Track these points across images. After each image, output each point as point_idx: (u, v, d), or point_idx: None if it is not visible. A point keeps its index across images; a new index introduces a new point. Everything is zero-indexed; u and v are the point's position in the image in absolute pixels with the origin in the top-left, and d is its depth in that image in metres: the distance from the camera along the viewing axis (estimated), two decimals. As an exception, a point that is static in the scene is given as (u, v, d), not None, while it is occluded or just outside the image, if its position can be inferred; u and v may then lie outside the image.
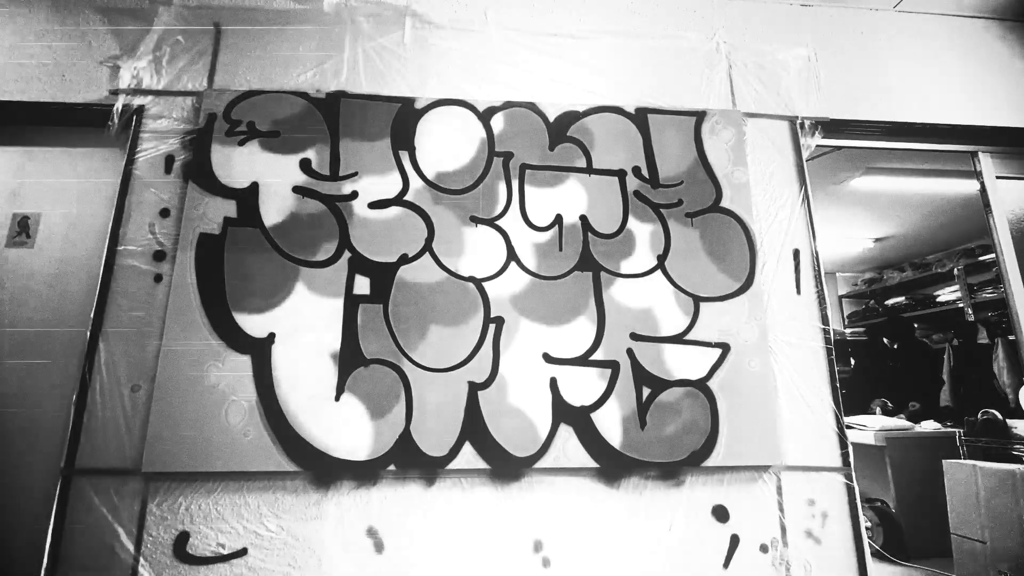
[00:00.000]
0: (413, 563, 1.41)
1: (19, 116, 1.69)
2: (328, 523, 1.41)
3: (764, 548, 1.51)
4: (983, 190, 2.04)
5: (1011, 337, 3.33)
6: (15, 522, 1.43)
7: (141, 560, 1.34)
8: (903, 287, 4.73)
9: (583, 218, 1.68)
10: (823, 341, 1.68)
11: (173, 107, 1.67)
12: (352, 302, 1.53)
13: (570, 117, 1.75)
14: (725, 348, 1.61)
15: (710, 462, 1.51)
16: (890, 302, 4.74)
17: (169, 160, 1.61)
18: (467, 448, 1.46)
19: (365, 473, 1.44)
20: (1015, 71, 2.11)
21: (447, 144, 1.69)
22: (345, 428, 1.44)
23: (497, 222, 1.64)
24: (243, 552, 1.38)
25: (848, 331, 4.76)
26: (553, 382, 1.54)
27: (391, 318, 1.53)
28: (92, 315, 1.48)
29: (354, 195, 1.60)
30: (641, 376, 1.57)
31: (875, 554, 2.69)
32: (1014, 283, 1.95)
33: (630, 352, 1.58)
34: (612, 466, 1.50)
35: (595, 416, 1.52)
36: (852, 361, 4.47)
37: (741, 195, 1.74)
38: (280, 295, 1.51)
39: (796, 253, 1.75)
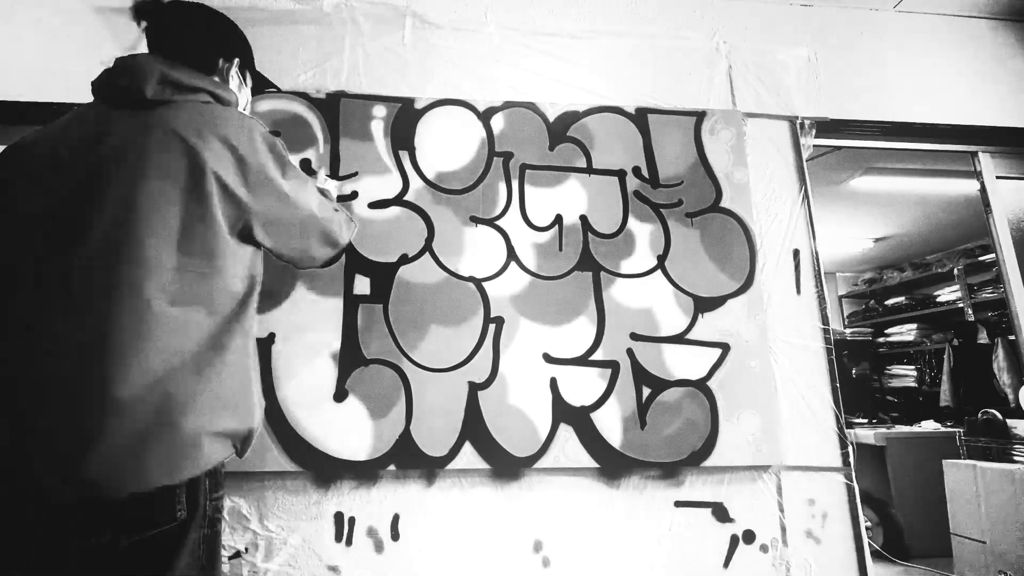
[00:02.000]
0: (413, 563, 1.41)
1: (19, 116, 1.69)
2: (328, 523, 1.42)
3: (764, 548, 1.51)
4: (983, 190, 2.04)
5: (1011, 337, 3.33)
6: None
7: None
8: (903, 287, 4.73)
9: (583, 218, 1.68)
10: (823, 341, 1.68)
11: (173, 107, 1.66)
12: (352, 302, 1.53)
13: (570, 117, 1.75)
14: (725, 348, 1.61)
15: (710, 462, 1.52)
16: (890, 302, 4.74)
17: (169, 160, 1.61)
18: (467, 448, 1.46)
19: (365, 473, 1.44)
20: (1015, 71, 2.11)
21: (447, 144, 1.69)
22: (345, 428, 1.44)
23: (497, 222, 1.64)
24: (243, 552, 1.38)
25: (848, 331, 4.75)
26: (553, 382, 1.54)
27: (391, 318, 1.53)
28: (92, 315, 1.48)
29: (354, 195, 1.61)
30: (641, 376, 1.57)
31: (875, 554, 2.69)
32: (1014, 283, 1.95)
33: (630, 352, 1.58)
34: (612, 466, 1.50)
35: (595, 416, 1.52)
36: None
37: (741, 195, 1.74)
38: (280, 295, 1.51)
39: (796, 253, 1.75)
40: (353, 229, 1.25)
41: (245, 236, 0.92)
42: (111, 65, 0.92)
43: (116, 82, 0.89)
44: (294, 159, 1.61)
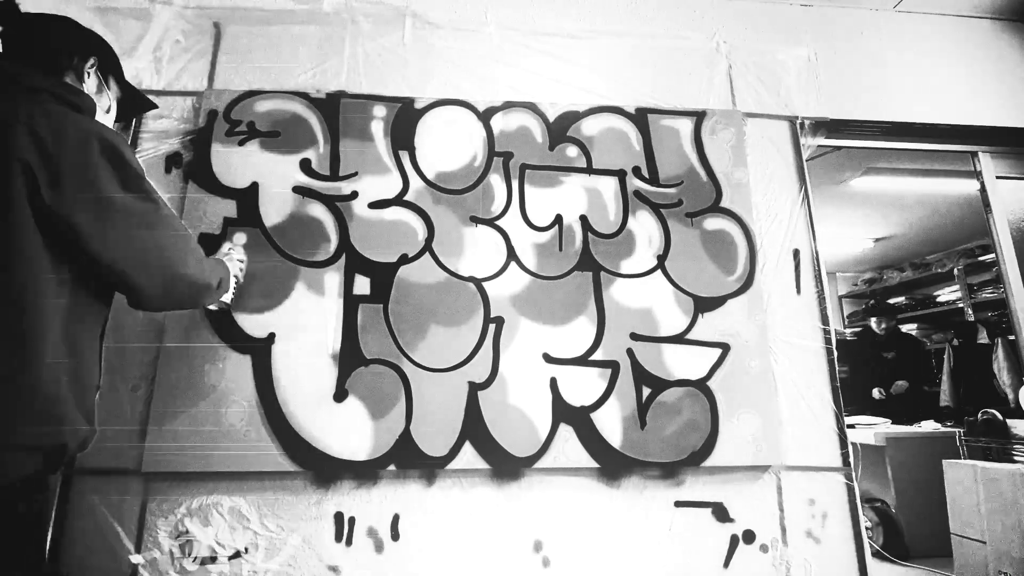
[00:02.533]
0: (413, 563, 1.41)
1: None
2: (328, 523, 1.42)
3: (764, 548, 1.51)
4: (983, 190, 2.04)
5: (1011, 337, 3.33)
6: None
7: (142, 560, 1.34)
8: (903, 287, 4.73)
9: (583, 218, 1.68)
10: (823, 341, 1.68)
11: (173, 107, 1.67)
12: (352, 302, 1.53)
13: (570, 117, 1.75)
14: (725, 348, 1.61)
15: (710, 462, 1.51)
16: (890, 302, 4.74)
17: (169, 160, 1.61)
18: (467, 448, 1.46)
19: (365, 473, 1.44)
20: (1015, 71, 2.11)
21: (447, 144, 1.69)
22: (345, 428, 1.44)
23: (497, 222, 1.64)
24: (243, 552, 1.38)
25: (848, 331, 4.75)
26: (553, 382, 1.54)
27: (391, 318, 1.53)
28: (92, 315, 1.48)
29: (354, 195, 1.61)
30: (641, 376, 1.57)
31: (875, 554, 2.69)
32: (1014, 283, 1.95)
33: (630, 352, 1.58)
34: (612, 466, 1.50)
35: (595, 416, 1.52)
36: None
37: (741, 195, 1.74)
38: (280, 295, 1.51)
39: (796, 253, 1.75)
40: (225, 287, 1.13)
41: (54, 234, 0.86)
42: None
43: None
44: (294, 158, 1.61)
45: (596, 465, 1.49)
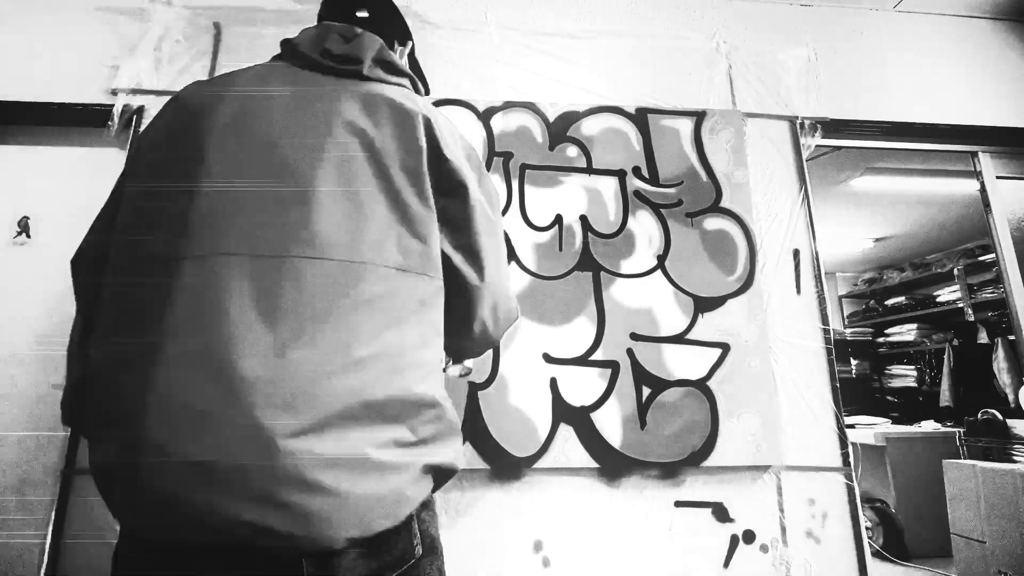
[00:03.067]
0: (413, 563, 1.41)
1: (19, 116, 1.69)
2: (328, 523, 1.41)
3: (764, 548, 1.51)
4: (983, 190, 2.04)
5: (1011, 337, 3.33)
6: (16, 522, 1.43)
7: (141, 560, 1.34)
8: (903, 287, 4.72)
9: (583, 218, 1.68)
10: (823, 341, 1.68)
11: (173, 107, 1.66)
12: (352, 302, 1.52)
13: (570, 117, 1.75)
14: (725, 348, 1.61)
15: (710, 462, 1.51)
16: (890, 302, 4.74)
17: (169, 160, 1.61)
18: (467, 448, 1.46)
19: (365, 473, 1.44)
20: (1015, 71, 2.11)
21: (447, 144, 1.68)
22: (345, 428, 1.44)
23: (497, 222, 1.64)
24: (243, 552, 1.37)
25: (848, 331, 4.75)
26: (553, 382, 1.54)
27: (391, 318, 1.52)
28: (92, 315, 1.48)
29: (354, 195, 1.60)
30: (641, 376, 1.57)
31: (875, 554, 2.69)
32: (1014, 283, 1.95)
33: (630, 352, 1.58)
34: (612, 466, 1.50)
35: (595, 416, 1.52)
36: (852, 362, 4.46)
37: (741, 195, 1.74)
38: (280, 295, 1.51)
39: (796, 253, 1.75)
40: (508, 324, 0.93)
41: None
42: (312, 26, 0.85)
43: (331, 49, 0.80)
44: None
45: (596, 465, 1.49)
